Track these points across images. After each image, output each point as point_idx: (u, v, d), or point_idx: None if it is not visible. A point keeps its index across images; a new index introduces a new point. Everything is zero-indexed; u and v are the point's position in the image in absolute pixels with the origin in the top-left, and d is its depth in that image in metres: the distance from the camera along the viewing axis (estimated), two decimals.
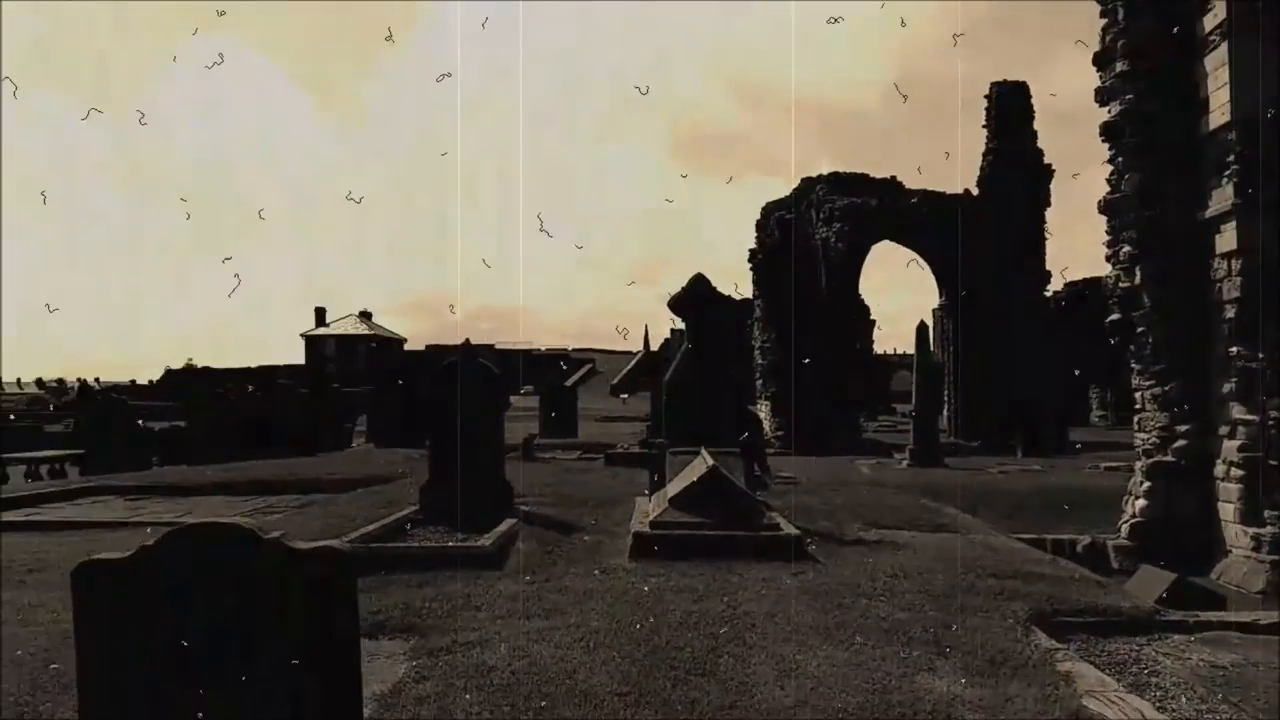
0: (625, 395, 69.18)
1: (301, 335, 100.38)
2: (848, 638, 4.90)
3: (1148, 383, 13.09)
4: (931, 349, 24.95)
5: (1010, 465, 22.59)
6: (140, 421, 23.25)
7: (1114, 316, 13.39)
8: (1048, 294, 35.92)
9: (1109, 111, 13.18)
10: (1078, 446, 27.64)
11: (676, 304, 8.89)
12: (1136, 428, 13.67)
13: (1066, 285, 42.52)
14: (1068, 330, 37.62)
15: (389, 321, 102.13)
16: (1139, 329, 12.89)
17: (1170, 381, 12.62)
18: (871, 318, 37.50)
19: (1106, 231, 13.41)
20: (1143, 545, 12.60)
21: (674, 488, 7.47)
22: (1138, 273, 12.84)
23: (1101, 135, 13.24)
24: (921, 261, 33.70)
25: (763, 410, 30.39)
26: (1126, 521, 13.02)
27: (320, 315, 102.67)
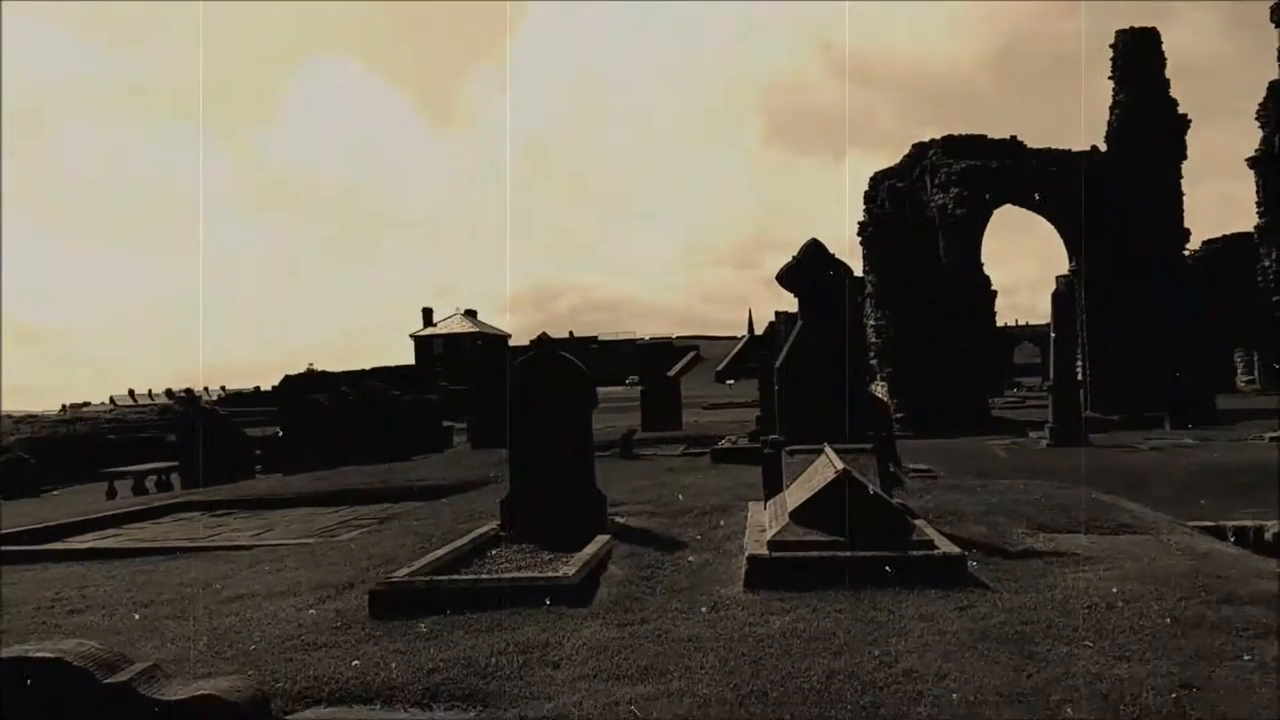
0: (732, 381, 67.72)
1: (410, 336, 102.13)
2: (1055, 710, 3.51)
3: None
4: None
5: (1161, 439, 20.38)
6: (245, 430, 23.06)
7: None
8: (1185, 253, 33.02)
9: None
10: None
11: (787, 276, 7.52)
12: None
13: (1204, 243, 39.21)
14: (1208, 290, 34.61)
15: (498, 318, 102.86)
16: None
17: None
18: (992, 288, 35.22)
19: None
20: None
21: (795, 497, 6.12)
22: None
23: None
24: (1044, 227, 31.28)
25: (879, 391, 28.58)
26: None
27: (428, 316, 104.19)
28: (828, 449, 6.75)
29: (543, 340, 7.72)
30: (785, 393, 7.99)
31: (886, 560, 5.27)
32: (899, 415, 26.30)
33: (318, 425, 19.30)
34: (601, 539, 6.92)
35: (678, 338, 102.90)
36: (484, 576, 5.83)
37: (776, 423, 8.42)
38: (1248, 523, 11.54)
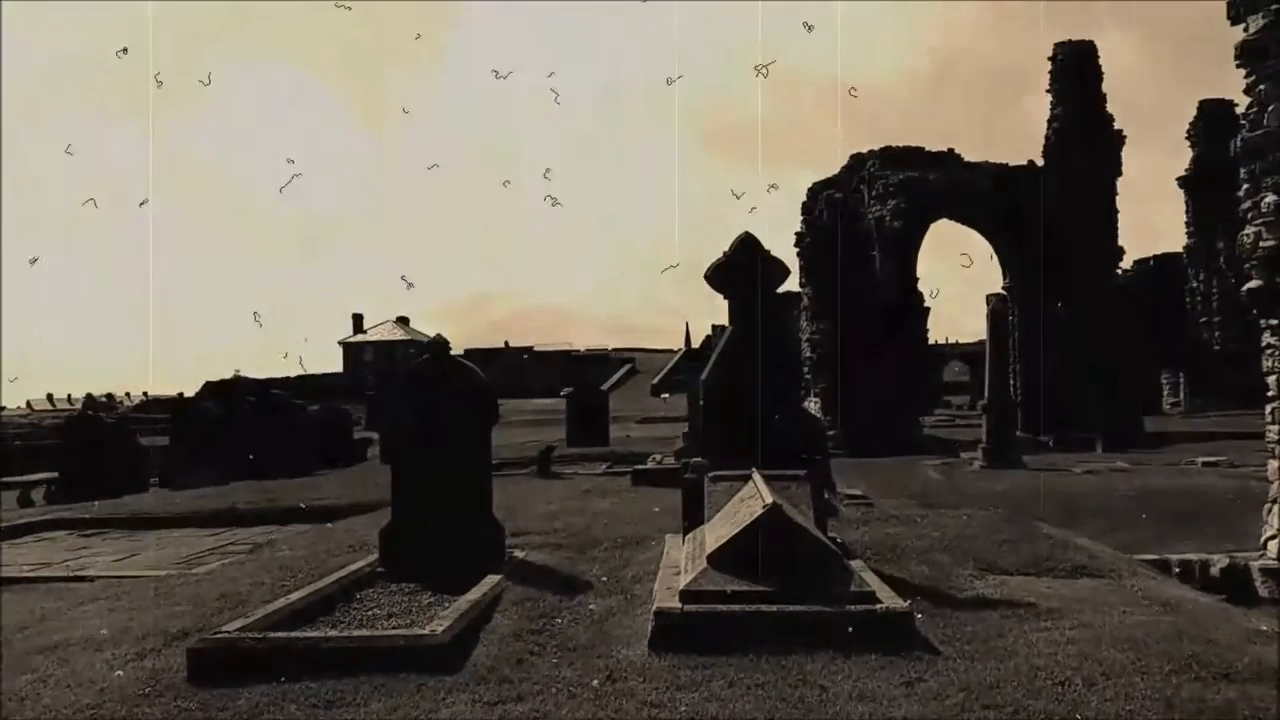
0: (666, 395, 67.04)
1: (339, 343, 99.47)
2: None
3: None
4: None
5: (1095, 463, 20.01)
6: (144, 439, 21.49)
7: (1253, 284, 10.86)
8: (1119, 272, 33.11)
9: (1245, 30, 10.70)
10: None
11: (717, 274, 6.59)
12: (1270, 419, 11.11)
13: (1135, 263, 39.54)
14: (1138, 311, 34.80)
15: (432, 325, 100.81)
16: None
17: None
18: (926, 304, 34.94)
19: (1244, 179, 10.91)
20: None
21: (716, 533, 5.20)
22: None
23: (1238, 59, 10.74)
24: (974, 245, 31.07)
25: (811, 408, 27.94)
26: (1275, 538, 10.51)
27: (358, 322, 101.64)
28: (756, 476, 5.85)
29: (438, 342, 6.70)
30: (710, 410, 7.08)
31: (820, 618, 4.37)
32: (831, 433, 25.68)
33: (214, 436, 17.94)
34: (491, 580, 5.91)
35: (614, 349, 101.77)
36: (331, 634, 4.78)
37: (702, 442, 7.49)
38: (1192, 556, 10.98)
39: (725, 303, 7.39)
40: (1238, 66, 11.06)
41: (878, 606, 4.51)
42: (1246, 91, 10.94)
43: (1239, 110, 36.52)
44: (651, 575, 5.91)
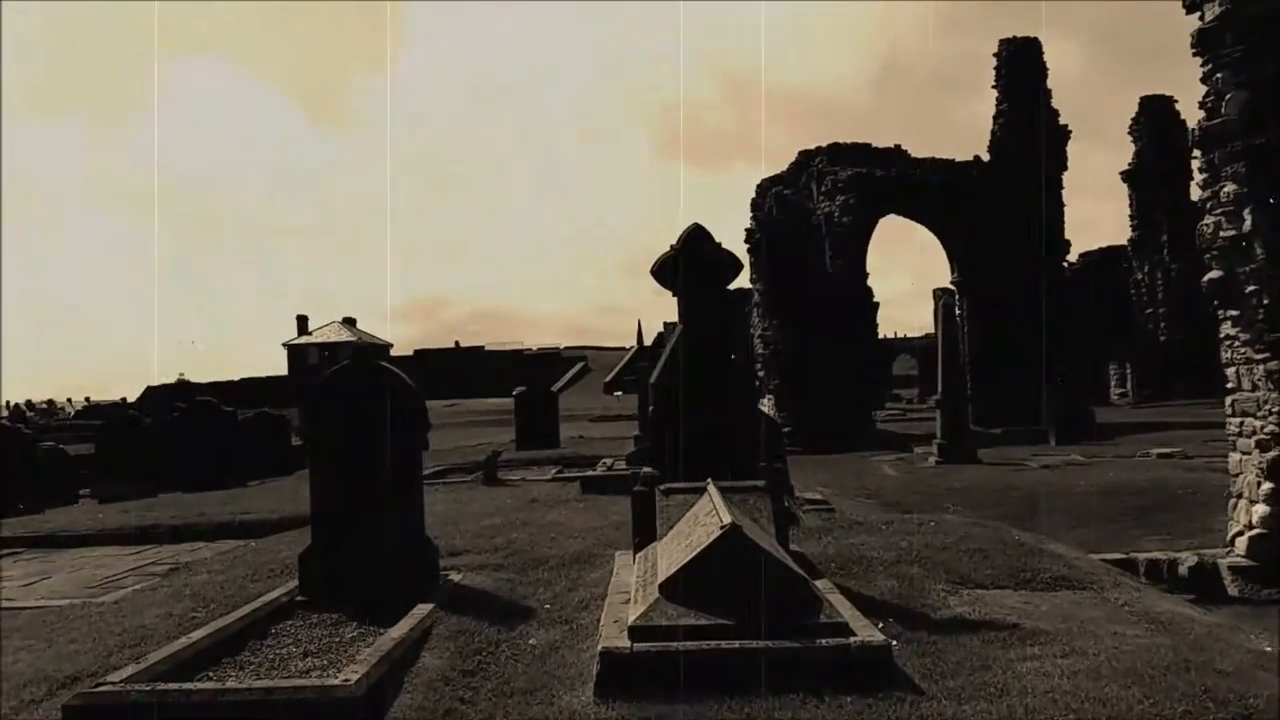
0: (619, 393, 66.51)
1: (284, 345, 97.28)
2: None
3: (1260, 355, 10.29)
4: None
5: (1049, 456, 19.88)
6: (64, 449, 20.39)
7: (1213, 274, 10.60)
8: (1065, 265, 33.26)
9: (1201, 18, 10.46)
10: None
11: (664, 269, 6.07)
12: (1231, 411, 10.89)
13: (1081, 255, 39.85)
14: (1086, 303, 35.04)
15: (381, 327, 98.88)
16: (1249, 288, 10.11)
17: None
18: (875, 299, 34.83)
19: (1200, 169, 10.64)
20: (1269, 564, 9.89)
21: (669, 556, 4.68)
22: (1246, 218, 10.06)
23: (1194, 47, 10.48)
24: (920, 239, 31.01)
25: (765, 405, 27.63)
26: (1242, 534, 10.26)
27: (302, 324, 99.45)
28: (712, 488, 5.35)
29: (364, 348, 6.09)
30: (661, 415, 6.56)
31: (787, 656, 3.88)
32: (786, 430, 25.34)
33: (140, 446, 17.02)
34: (421, 611, 5.33)
35: (566, 348, 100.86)
36: (229, 686, 4.18)
37: (652, 450, 6.96)
38: (1159, 555, 10.72)
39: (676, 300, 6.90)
40: (1194, 54, 10.80)
41: (852, 641, 4.03)
42: (1203, 80, 10.68)
43: (1178, 106, 36.55)
44: (600, 600, 5.38)
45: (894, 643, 4.40)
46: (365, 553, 6.00)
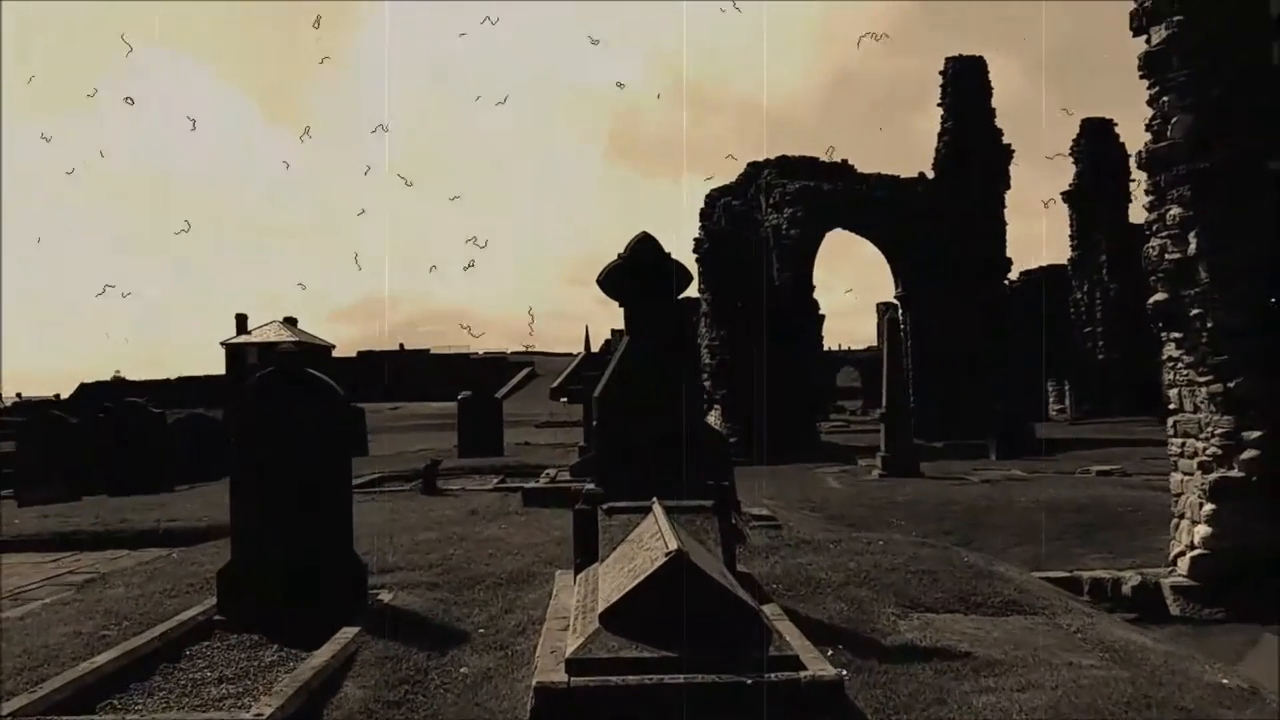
0: (565, 399, 66.09)
1: (221, 344, 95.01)
2: None
3: (1203, 378, 10.38)
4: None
5: (990, 471, 20.02)
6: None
7: (1158, 297, 10.67)
8: (1007, 283, 33.74)
9: (1147, 41, 10.54)
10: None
11: (610, 278, 5.83)
12: (1173, 432, 10.99)
13: (1021, 274, 40.49)
14: (1024, 321, 35.59)
15: (326, 327, 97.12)
16: (1194, 311, 10.18)
17: (1236, 376, 9.96)
18: (821, 311, 34.98)
19: (1147, 191, 10.71)
20: (1210, 585, 9.96)
21: (611, 581, 4.44)
22: (1191, 241, 10.15)
23: (1141, 70, 10.57)
24: (864, 253, 31.22)
25: (712, 415, 27.53)
26: (1184, 554, 10.33)
27: (241, 322, 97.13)
28: (657, 509, 5.11)
29: (284, 355, 5.75)
30: (605, 430, 6.32)
31: (734, 692, 3.66)
32: (731, 440, 25.26)
33: (63, 447, 16.31)
34: (346, 635, 5.02)
35: (513, 353, 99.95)
36: (129, 718, 3.84)
37: (596, 464, 6.71)
38: (1103, 574, 10.75)
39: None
40: (1141, 77, 10.89)
41: (802, 675, 3.82)
42: (1149, 103, 10.77)
43: (1118, 129, 37.21)
44: (537, 624, 5.12)
45: (845, 674, 4.21)
46: (288, 570, 5.66)
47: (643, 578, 4.04)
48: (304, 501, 5.71)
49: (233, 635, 5.48)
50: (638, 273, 5.83)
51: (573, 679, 3.75)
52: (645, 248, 5.84)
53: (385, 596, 5.99)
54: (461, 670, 4.62)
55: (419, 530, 8.36)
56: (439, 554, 7.20)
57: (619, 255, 5.85)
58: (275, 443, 5.68)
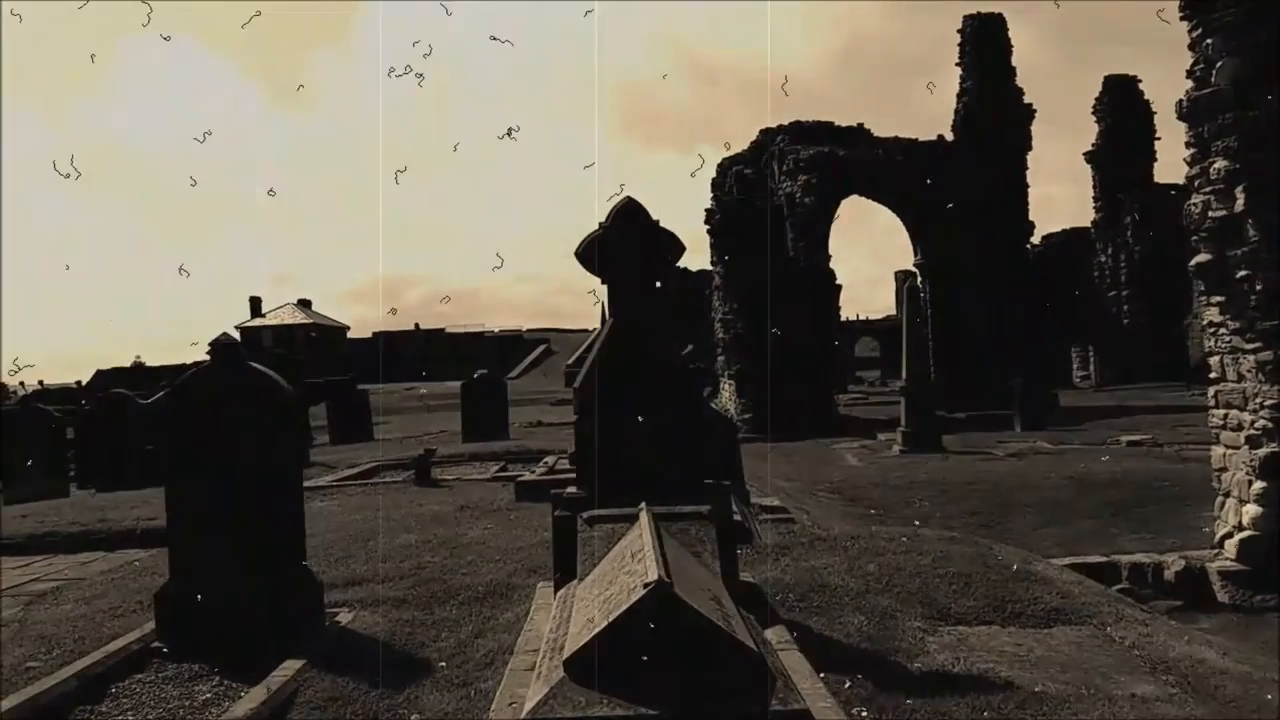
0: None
1: (236, 328, 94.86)
2: None
3: (1250, 345, 9.57)
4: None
5: (1015, 443, 19.22)
6: None
7: (1201, 258, 9.84)
8: (1029, 247, 32.70)
9: None
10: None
11: (588, 252, 5.08)
12: (1214, 403, 10.21)
13: (1044, 238, 39.37)
14: (1046, 286, 34.56)
15: (340, 309, 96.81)
16: (1240, 272, 9.35)
17: None
18: (837, 281, 34.12)
19: (1188, 144, 9.85)
20: (1261, 569, 9.20)
21: (583, 614, 3.74)
22: (1238, 196, 9.30)
23: (1183, 10, 9.68)
24: (882, 220, 30.26)
25: (726, 391, 26.78)
26: (1231, 535, 9.56)
27: (255, 305, 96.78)
28: (644, 518, 4.40)
29: (219, 347, 5.05)
30: (587, 425, 5.59)
31: None
32: (746, 415, 24.55)
33: (50, 441, 15.78)
34: (289, 669, 4.36)
35: (529, 330, 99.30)
36: None
37: (581, 462, 5.99)
38: (1143, 558, 9.99)
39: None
40: (1182, 19, 10.00)
41: None
42: (1191, 46, 9.89)
43: (1142, 86, 35.95)
44: (507, 653, 4.44)
45: (860, 709, 3.50)
46: (232, 591, 5.00)
47: (618, 614, 3.33)
48: (247, 515, 5.03)
49: (170, 666, 4.84)
50: (621, 243, 5.09)
51: None
52: (628, 213, 5.09)
53: (344, 618, 5.31)
54: (416, 714, 3.95)
55: (399, 531, 7.70)
56: (413, 562, 6.53)
57: (598, 225, 5.11)
58: (211, 449, 5.00)
